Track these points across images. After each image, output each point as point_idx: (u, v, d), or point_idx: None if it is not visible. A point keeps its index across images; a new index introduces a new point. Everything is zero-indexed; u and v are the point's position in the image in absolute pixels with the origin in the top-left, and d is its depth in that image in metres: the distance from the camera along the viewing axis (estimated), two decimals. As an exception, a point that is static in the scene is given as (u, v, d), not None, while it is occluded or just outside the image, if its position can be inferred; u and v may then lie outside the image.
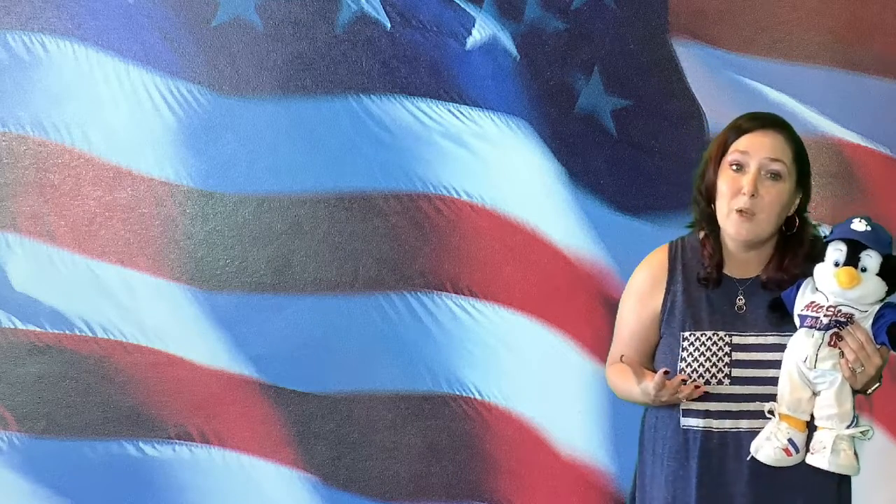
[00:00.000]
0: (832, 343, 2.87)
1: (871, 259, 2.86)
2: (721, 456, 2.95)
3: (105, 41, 4.40)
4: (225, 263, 4.42)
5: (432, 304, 4.41)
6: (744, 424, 2.94)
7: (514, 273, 4.41)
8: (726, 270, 3.01)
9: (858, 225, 2.88)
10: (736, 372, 2.95)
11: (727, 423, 2.95)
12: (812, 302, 2.90)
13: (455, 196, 4.42)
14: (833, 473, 2.93)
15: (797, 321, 2.91)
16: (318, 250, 4.42)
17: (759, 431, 2.93)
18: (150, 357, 4.38)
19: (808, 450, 2.91)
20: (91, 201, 4.41)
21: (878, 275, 2.86)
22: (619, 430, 4.35)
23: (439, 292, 4.41)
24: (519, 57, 4.42)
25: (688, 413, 2.97)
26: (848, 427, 2.89)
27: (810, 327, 2.88)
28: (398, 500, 4.42)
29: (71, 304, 4.38)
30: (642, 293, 3.07)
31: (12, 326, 4.38)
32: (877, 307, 2.88)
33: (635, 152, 4.42)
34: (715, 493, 2.95)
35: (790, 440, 2.89)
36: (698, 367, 2.96)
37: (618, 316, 3.12)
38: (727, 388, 2.95)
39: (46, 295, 4.38)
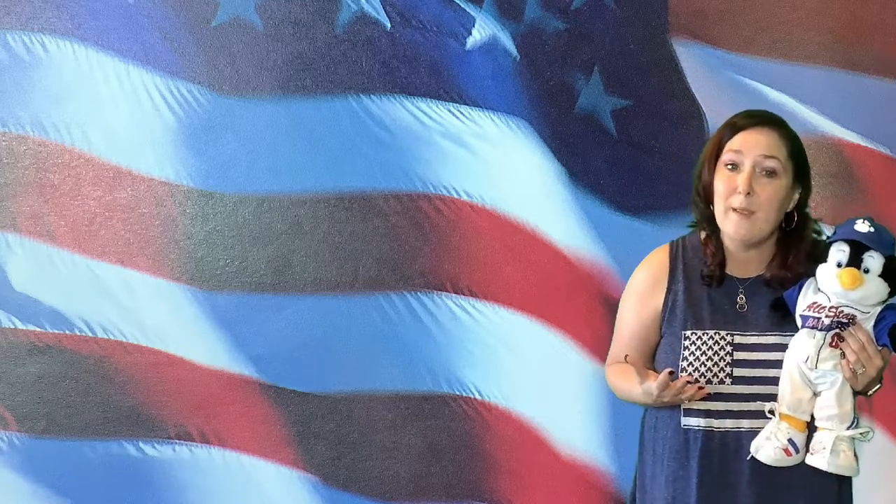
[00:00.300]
0: (833, 344, 2.87)
1: (873, 260, 2.85)
2: (722, 456, 2.95)
3: (105, 41, 4.40)
4: (225, 263, 4.42)
5: (432, 304, 4.41)
6: (745, 424, 2.94)
7: (514, 273, 4.41)
8: (728, 270, 3.01)
9: (862, 226, 2.87)
10: (737, 371, 2.95)
11: (728, 423, 2.95)
12: (814, 302, 2.89)
13: (455, 196, 4.42)
14: (833, 474, 2.93)
15: (799, 321, 2.91)
16: (318, 250, 4.42)
17: (759, 431, 2.93)
18: (150, 357, 4.38)
19: (808, 450, 2.91)
20: (91, 201, 4.41)
21: (880, 276, 2.86)
22: (619, 430, 4.35)
23: (439, 292, 4.41)
24: (519, 57, 4.42)
25: (689, 413, 2.97)
26: (848, 428, 2.89)
27: (812, 328, 2.88)
28: (398, 500, 4.42)
29: (71, 304, 4.38)
30: (643, 293, 3.07)
31: (12, 326, 4.38)
32: (878, 308, 2.88)
33: (635, 152, 4.42)
34: (716, 493, 2.95)
35: (790, 440, 2.89)
36: (700, 366, 2.96)
37: (618, 316, 3.12)
38: (728, 388, 2.94)
39: (46, 295, 4.38)
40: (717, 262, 3.00)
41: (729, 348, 2.95)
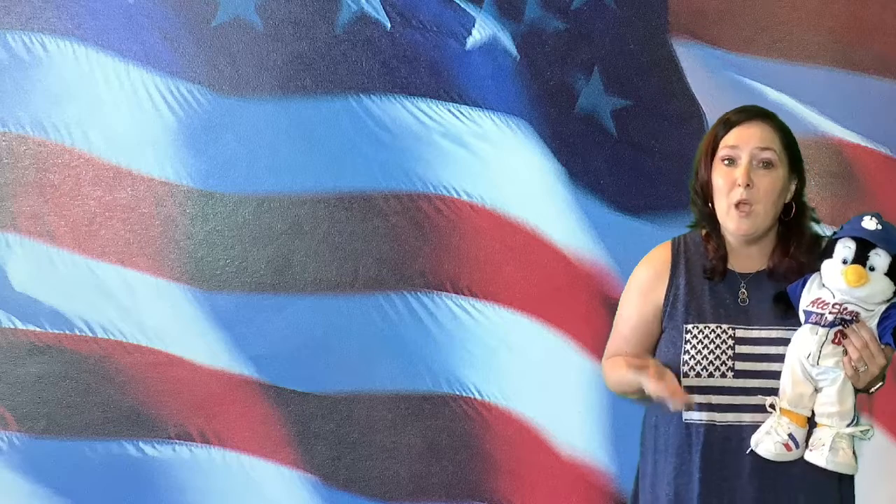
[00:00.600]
0: (836, 341, 2.86)
1: (879, 258, 2.84)
2: (723, 450, 2.95)
3: (105, 41, 4.40)
4: (225, 263, 4.42)
5: (432, 304, 4.41)
6: (746, 418, 2.94)
7: (514, 273, 4.41)
8: (729, 265, 3.02)
9: (869, 223, 2.86)
10: (739, 365, 2.95)
11: (730, 417, 2.95)
12: (818, 298, 2.88)
13: (455, 196, 4.42)
14: (834, 473, 2.93)
15: (802, 317, 2.90)
16: (318, 250, 4.42)
17: (761, 426, 2.93)
18: (150, 357, 4.38)
19: (807, 446, 2.90)
20: (91, 201, 4.41)
21: (886, 275, 2.85)
22: (619, 430, 4.35)
23: (439, 292, 4.41)
24: (519, 57, 4.42)
25: (690, 406, 2.97)
26: (848, 426, 2.88)
27: (815, 323, 2.87)
28: (398, 500, 4.42)
29: (71, 304, 4.38)
30: (644, 287, 3.07)
31: (12, 326, 4.38)
32: (883, 307, 2.87)
33: (635, 152, 4.42)
34: (717, 487, 2.95)
35: (790, 435, 2.88)
36: (701, 359, 2.96)
37: (618, 311, 3.12)
38: (730, 381, 2.94)
39: (46, 295, 4.38)
40: (718, 256, 3.01)
41: (731, 342, 2.95)
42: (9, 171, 4.40)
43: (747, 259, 3.02)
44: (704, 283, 3.01)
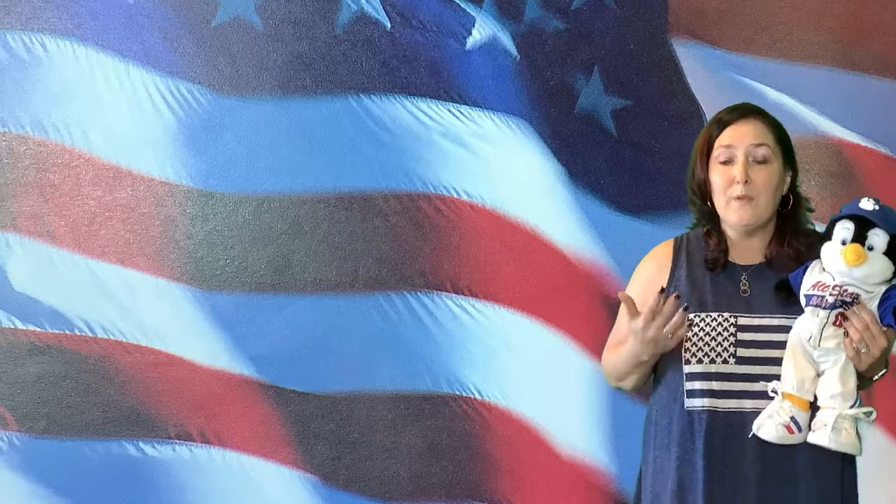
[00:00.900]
0: (837, 323, 2.87)
1: (878, 238, 2.86)
2: (726, 436, 2.96)
3: (105, 41, 4.40)
4: (225, 263, 4.42)
5: (432, 304, 4.41)
6: (748, 405, 2.95)
7: (514, 273, 4.41)
8: (730, 258, 3.05)
9: (867, 204, 2.88)
10: (741, 352, 2.97)
11: (732, 403, 2.96)
12: (818, 282, 2.90)
13: (455, 196, 4.42)
14: (838, 457, 2.94)
15: (803, 301, 2.91)
16: (318, 250, 4.42)
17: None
18: (150, 357, 4.38)
19: (811, 429, 2.91)
20: (91, 201, 4.41)
21: (885, 254, 2.86)
22: (619, 430, 4.35)
23: (439, 292, 4.41)
24: (519, 57, 4.42)
25: (692, 394, 2.99)
26: (851, 407, 2.89)
27: (816, 306, 2.88)
28: (398, 500, 4.42)
29: (71, 304, 4.38)
30: (646, 280, 3.10)
31: (12, 326, 4.38)
32: (883, 288, 2.89)
33: (635, 152, 4.42)
34: (721, 473, 2.96)
35: (792, 418, 2.89)
36: (703, 346, 2.98)
37: (620, 307, 3.13)
38: (732, 368, 2.96)
39: (46, 295, 4.38)
40: (720, 248, 3.05)
41: (732, 329, 2.97)
42: (9, 171, 4.40)
43: (748, 252, 3.05)
44: (706, 275, 3.04)
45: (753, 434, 2.93)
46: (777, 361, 2.93)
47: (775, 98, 4.38)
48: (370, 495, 4.41)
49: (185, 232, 4.41)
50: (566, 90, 4.42)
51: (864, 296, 2.88)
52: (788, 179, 3.05)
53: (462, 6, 4.41)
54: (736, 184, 2.98)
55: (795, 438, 2.92)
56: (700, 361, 2.98)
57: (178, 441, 4.38)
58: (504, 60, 4.42)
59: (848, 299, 2.87)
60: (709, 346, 2.98)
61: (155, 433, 4.39)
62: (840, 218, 2.90)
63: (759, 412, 2.94)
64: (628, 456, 4.23)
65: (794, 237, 3.03)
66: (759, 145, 3.01)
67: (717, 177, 3.02)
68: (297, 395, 4.40)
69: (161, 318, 4.39)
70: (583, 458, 4.40)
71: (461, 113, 4.41)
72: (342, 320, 4.40)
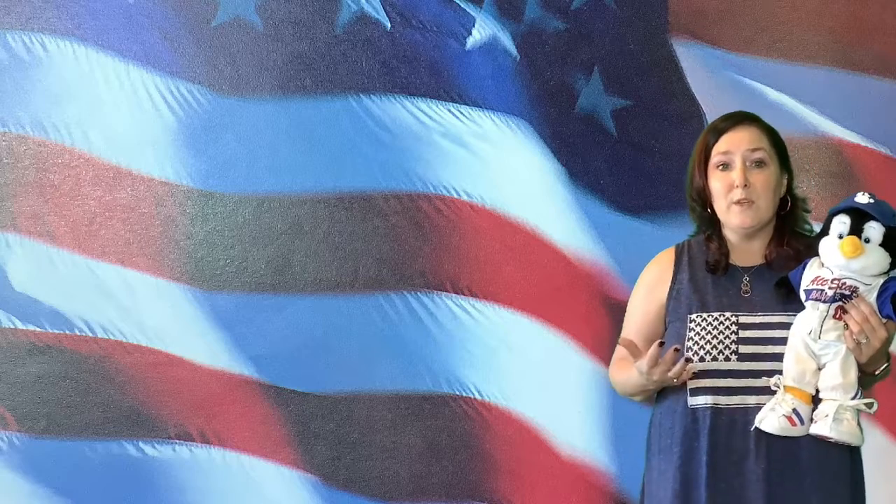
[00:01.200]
0: (837, 316, 2.91)
1: (874, 230, 2.90)
2: (729, 432, 2.99)
3: (105, 41, 4.40)
4: (225, 263, 4.42)
5: (432, 304, 4.41)
6: (751, 401, 2.98)
7: (514, 273, 4.41)
8: (731, 260, 3.09)
9: (862, 197, 2.93)
10: (743, 349, 3.00)
11: (735, 400, 2.99)
12: (817, 276, 2.94)
13: (455, 196, 4.42)
14: (842, 450, 2.96)
15: (803, 296, 2.95)
16: (318, 250, 4.42)
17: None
18: (150, 357, 4.38)
19: (813, 421, 2.93)
20: (91, 201, 4.41)
21: (881, 246, 2.90)
22: (619, 430, 4.35)
23: (439, 292, 4.41)
24: (519, 57, 4.42)
25: (696, 392, 3.01)
26: (852, 399, 2.91)
27: (815, 300, 2.92)
28: (398, 500, 4.42)
29: (71, 304, 4.38)
30: (649, 286, 3.14)
31: (12, 326, 4.38)
32: (881, 280, 2.91)
33: (635, 152, 4.42)
34: (724, 470, 2.98)
35: (794, 410, 2.92)
36: (705, 344, 3.01)
37: (626, 315, 3.16)
38: (734, 365, 2.99)
39: (46, 295, 4.38)
40: (721, 252, 3.09)
41: (734, 328, 3.01)
42: (9, 171, 4.40)
43: (749, 254, 3.09)
44: (707, 277, 3.08)
45: (756, 428, 2.95)
46: (779, 357, 2.96)
47: (775, 98, 4.38)
48: (370, 495, 4.41)
49: (185, 232, 4.41)
50: (566, 90, 4.42)
51: (862, 288, 2.91)
52: (785, 181, 3.10)
53: (462, 6, 4.41)
54: (736, 188, 3.03)
55: (798, 430, 2.93)
56: (702, 359, 3.00)
57: (178, 441, 4.38)
58: (504, 60, 4.42)
59: (847, 292, 2.90)
60: (711, 344, 3.01)
61: (155, 433, 4.38)
62: (836, 212, 2.94)
63: (762, 407, 2.96)
64: (628, 456, 4.24)
65: (792, 237, 3.07)
66: (755, 150, 3.06)
67: (717, 182, 3.07)
68: (297, 395, 4.40)
69: (161, 318, 4.39)
70: (583, 458, 4.40)
71: (461, 113, 4.41)
72: (342, 320, 4.40)
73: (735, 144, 3.06)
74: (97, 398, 4.39)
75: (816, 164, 4.36)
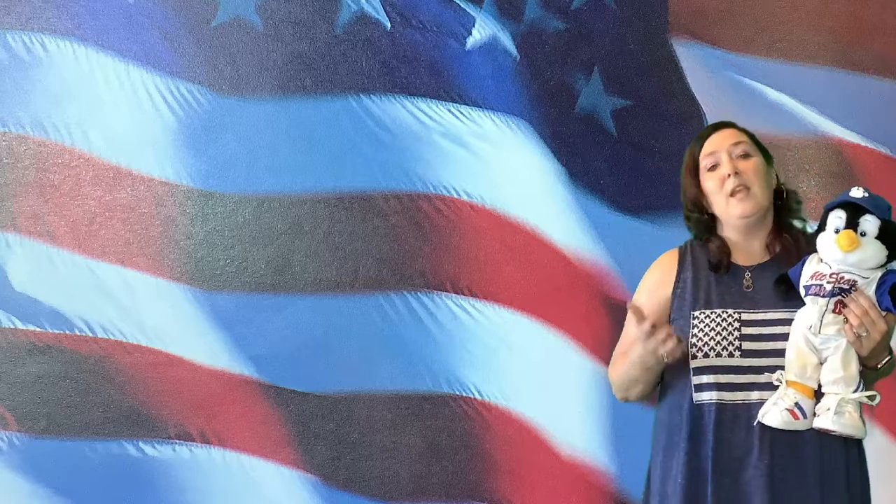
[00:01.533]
0: (837, 310, 2.93)
1: (869, 223, 2.92)
2: (733, 428, 3.01)
3: (105, 41, 4.41)
4: (225, 263, 4.42)
5: (432, 304, 4.41)
6: (754, 396, 3.00)
7: (514, 273, 4.41)
8: (733, 259, 3.12)
9: (856, 192, 2.96)
10: (746, 345, 3.02)
11: (738, 395, 3.01)
12: (816, 272, 2.96)
13: (455, 196, 4.42)
14: (846, 444, 2.98)
15: (802, 292, 2.97)
16: (318, 250, 4.42)
17: None
18: (150, 357, 4.38)
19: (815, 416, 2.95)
20: (91, 201, 4.41)
21: (877, 239, 2.92)
22: (619, 430, 4.35)
23: (439, 292, 4.41)
24: (519, 57, 4.42)
25: (700, 388, 3.03)
26: (854, 391, 2.92)
27: (815, 295, 2.94)
28: (398, 500, 4.42)
29: (71, 304, 4.38)
30: (653, 286, 3.16)
31: (12, 326, 4.38)
32: (879, 273, 2.94)
33: (635, 152, 4.42)
34: (728, 465, 3.00)
35: (797, 404, 2.94)
36: (709, 340, 3.04)
37: (627, 317, 3.16)
38: (737, 361, 3.01)
39: (46, 295, 4.38)
40: (722, 251, 3.12)
41: (737, 324, 3.03)
42: (9, 171, 4.40)
43: (750, 253, 3.12)
44: (710, 275, 3.11)
45: (759, 422, 2.97)
46: (781, 353, 2.99)
47: (775, 98, 4.38)
48: (370, 495, 4.41)
49: (185, 232, 4.41)
50: (566, 90, 4.42)
51: (860, 282, 2.93)
52: (774, 175, 3.15)
53: (462, 6, 4.41)
54: (728, 178, 3.08)
55: (800, 424, 2.95)
56: (706, 355, 3.03)
57: (178, 441, 4.38)
58: (504, 60, 4.42)
59: (845, 286, 2.92)
60: (714, 339, 3.03)
61: (155, 433, 4.39)
62: (832, 207, 2.96)
63: (766, 402, 2.98)
64: (628, 456, 4.24)
65: (791, 228, 3.12)
66: (737, 143, 3.13)
67: (710, 182, 3.12)
68: (297, 395, 4.40)
69: (161, 318, 4.39)
70: (583, 458, 4.40)
71: (461, 113, 4.41)
72: (342, 320, 4.41)
73: (718, 144, 3.13)
74: (97, 398, 4.39)
75: (816, 164, 4.36)
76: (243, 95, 4.42)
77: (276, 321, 4.40)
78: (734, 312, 3.04)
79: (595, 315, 4.36)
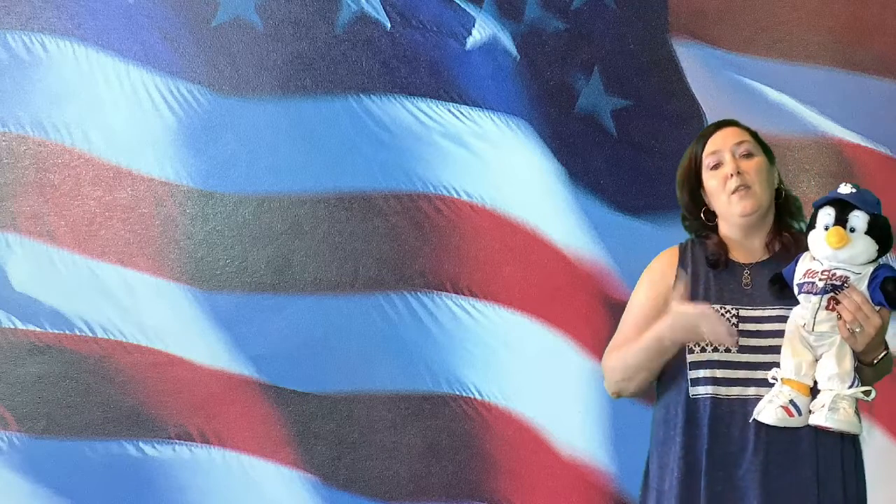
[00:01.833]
0: (830, 307, 2.93)
1: (858, 219, 2.93)
2: (730, 423, 3.01)
3: (105, 41, 4.41)
4: (225, 263, 4.42)
5: (432, 304, 4.41)
6: (750, 392, 3.00)
7: (514, 273, 4.41)
8: (732, 257, 3.13)
9: (844, 188, 2.98)
10: (743, 341, 3.02)
11: (735, 391, 3.02)
12: (808, 269, 2.97)
13: (455, 196, 4.42)
14: (841, 441, 2.98)
15: (796, 290, 2.98)
16: (318, 250, 4.42)
17: None
18: (150, 357, 4.38)
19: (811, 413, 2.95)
20: (91, 201, 4.41)
21: (866, 234, 2.93)
22: (619, 430, 4.35)
23: (439, 292, 4.41)
24: (519, 57, 4.42)
25: (697, 382, 3.04)
26: (849, 388, 2.93)
27: (808, 293, 2.95)
28: (398, 500, 4.42)
29: (71, 304, 4.38)
30: (654, 279, 3.17)
31: (12, 326, 4.38)
32: (871, 268, 2.94)
33: (635, 152, 4.42)
34: (723, 460, 3.00)
35: (791, 401, 2.95)
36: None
37: (626, 308, 3.19)
38: (735, 356, 3.02)
39: (46, 295, 4.38)
40: (721, 248, 3.13)
41: (735, 320, 3.04)
42: (9, 171, 4.40)
43: (749, 251, 3.13)
44: (710, 272, 3.12)
45: (755, 419, 2.97)
46: (778, 350, 2.99)
47: (775, 98, 4.38)
48: (370, 495, 4.41)
49: (185, 232, 4.41)
50: (566, 90, 4.42)
51: (853, 278, 2.93)
52: (776, 174, 3.16)
53: (462, 6, 4.41)
54: (730, 177, 3.09)
55: (795, 421, 2.96)
56: (703, 350, 3.03)
57: (178, 441, 4.38)
58: (504, 60, 4.42)
59: (837, 283, 2.93)
60: None
61: (155, 433, 4.39)
62: (821, 205, 2.98)
63: (762, 399, 2.98)
64: (628, 456, 4.24)
65: (790, 228, 3.13)
66: (740, 143, 3.13)
67: (712, 180, 3.13)
68: (297, 395, 4.40)
69: (161, 318, 4.39)
70: (583, 458, 4.40)
71: (461, 113, 4.41)
72: (342, 320, 4.41)
73: (721, 143, 3.14)
74: (97, 398, 4.39)
75: (816, 164, 4.36)
76: (243, 95, 4.42)
77: (276, 321, 4.40)
78: (732, 308, 3.04)
79: (595, 315, 4.36)
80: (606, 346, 3.20)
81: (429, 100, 4.42)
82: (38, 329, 4.38)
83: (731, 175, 3.08)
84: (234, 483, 4.39)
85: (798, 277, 2.97)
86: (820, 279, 2.93)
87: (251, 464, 4.40)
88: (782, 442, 2.98)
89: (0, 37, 4.40)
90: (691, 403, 3.04)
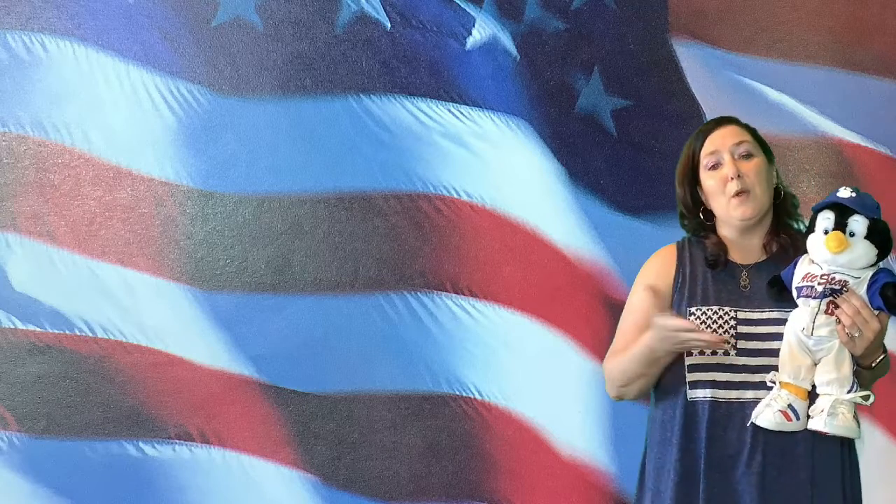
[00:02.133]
0: (829, 311, 2.93)
1: (858, 223, 2.93)
2: (727, 426, 3.01)
3: (105, 41, 4.40)
4: (225, 263, 4.42)
5: (432, 304, 4.41)
6: (748, 395, 3.00)
7: (514, 273, 4.41)
8: (730, 257, 3.12)
9: (844, 192, 2.97)
10: (742, 344, 3.02)
11: (733, 394, 3.01)
12: (807, 273, 2.97)
13: (455, 196, 4.42)
14: (839, 445, 2.98)
15: (794, 294, 2.98)
16: (318, 250, 4.42)
17: None
18: (150, 357, 4.38)
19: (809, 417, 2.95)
20: (91, 201, 4.41)
21: (866, 238, 2.92)
22: (619, 430, 4.35)
23: (439, 292, 4.41)
24: (519, 57, 4.42)
25: (695, 385, 3.04)
26: (848, 392, 2.93)
27: (806, 296, 2.95)
28: (398, 500, 4.42)
29: (71, 304, 4.38)
30: (651, 279, 3.16)
31: (12, 326, 4.38)
32: (870, 272, 2.94)
33: (635, 152, 4.42)
34: (721, 463, 3.00)
35: (790, 405, 2.95)
36: None
37: (625, 308, 3.17)
38: (733, 359, 3.02)
39: (46, 295, 4.38)
40: (719, 248, 3.12)
41: (733, 322, 3.03)
42: (9, 171, 4.40)
43: (748, 252, 3.12)
44: (707, 272, 3.11)
45: (753, 423, 2.97)
46: (776, 353, 2.99)
47: (775, 98, 4.38)
48: (370, 495, 4.41)
49: (185, 232, 4.41)
50: (566, 90, 4.42)
51: (852, 282, 2.93)
52: (774, 173, 3.15)
53: (462, 6, 4.41)
54: (731, 181, 3.07)
55: (793, 426, 2.96)
56: (702, 353, 3.03)
57: (178, 441, 4.38)
58: (504, 60, 4.42)
59: (836, 287, 2.92)
60: None
61: (155, 433, 4.39)
62: (820, 209, 2.97)
63: (760, 402, 2.98)
64: (628, 456, 4.23)
65: (788, 228, 3.13)
66: (740, 143, 3.12)
67: (711, 181, 3.11)
68: (297, 395, 4.40)
69: (161, 318, 4.39)
70: (583, 458, 4.40)
71: (461, 113, 4.41)
72: (342, 320, 4.41)
73: (720, 142, 3.12)
74: (97, 398, 4.39)
75: (816, 164, 4.36)
76: (243, 95, 4.42)
77: (276, 321, 4.40)
78: (730, 310, 3.04)
79: (595, 315, 4.36)
80: (606, 346, 3.20)
81: (429, 100, 4.42)
82: (38, 329, 4.38)
83: (731, 178, 3.07)
84: (234, 483, 4.40)
85: (797, 281, 2.97)
86: (819, 283, 2.93)
87: (251, 464, 4.40)
88: (779, 445, 2.98)
89: (0, 37, 4.40)
90: (689, 406, 3.03)
